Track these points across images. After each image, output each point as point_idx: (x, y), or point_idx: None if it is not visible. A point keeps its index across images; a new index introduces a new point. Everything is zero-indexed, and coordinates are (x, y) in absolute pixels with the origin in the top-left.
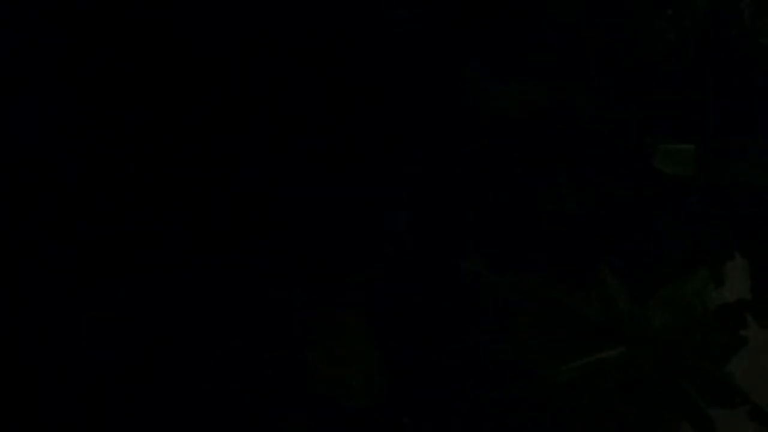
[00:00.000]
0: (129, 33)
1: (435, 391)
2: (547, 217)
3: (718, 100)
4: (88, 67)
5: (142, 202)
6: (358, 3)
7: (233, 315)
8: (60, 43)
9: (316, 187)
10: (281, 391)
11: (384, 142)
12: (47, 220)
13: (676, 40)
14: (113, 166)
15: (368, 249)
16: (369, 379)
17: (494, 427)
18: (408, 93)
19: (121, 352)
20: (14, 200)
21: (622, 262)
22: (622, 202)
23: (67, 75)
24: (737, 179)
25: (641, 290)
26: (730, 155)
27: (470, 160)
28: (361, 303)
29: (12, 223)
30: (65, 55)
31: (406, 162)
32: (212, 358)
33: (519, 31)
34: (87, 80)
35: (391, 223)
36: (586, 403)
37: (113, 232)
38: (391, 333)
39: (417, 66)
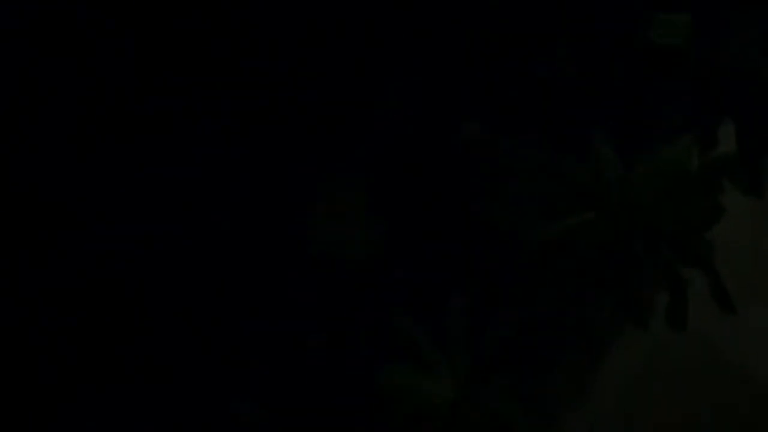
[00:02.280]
0: None
1: (430, 251)
2: (545, 83)
3: None
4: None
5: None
6: None
7: (236, 179)
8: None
9: (319, 51)
10: (281, 252)
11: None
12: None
13: None
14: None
15: (367, 112)
16: (367, 237)
17: (484, 283)
18: None
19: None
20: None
21: (615, 131)
22: (618, 72)
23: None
24: (731, 56)
25: (632, 159)
26: (726, 31)
27: (471, 26)
28: (360, 164)
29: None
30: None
31: (407, 27)
32: (215, 220)
33: None
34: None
35: (391, 87)
36: (567, 265)
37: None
38: (389, 195)
39: None
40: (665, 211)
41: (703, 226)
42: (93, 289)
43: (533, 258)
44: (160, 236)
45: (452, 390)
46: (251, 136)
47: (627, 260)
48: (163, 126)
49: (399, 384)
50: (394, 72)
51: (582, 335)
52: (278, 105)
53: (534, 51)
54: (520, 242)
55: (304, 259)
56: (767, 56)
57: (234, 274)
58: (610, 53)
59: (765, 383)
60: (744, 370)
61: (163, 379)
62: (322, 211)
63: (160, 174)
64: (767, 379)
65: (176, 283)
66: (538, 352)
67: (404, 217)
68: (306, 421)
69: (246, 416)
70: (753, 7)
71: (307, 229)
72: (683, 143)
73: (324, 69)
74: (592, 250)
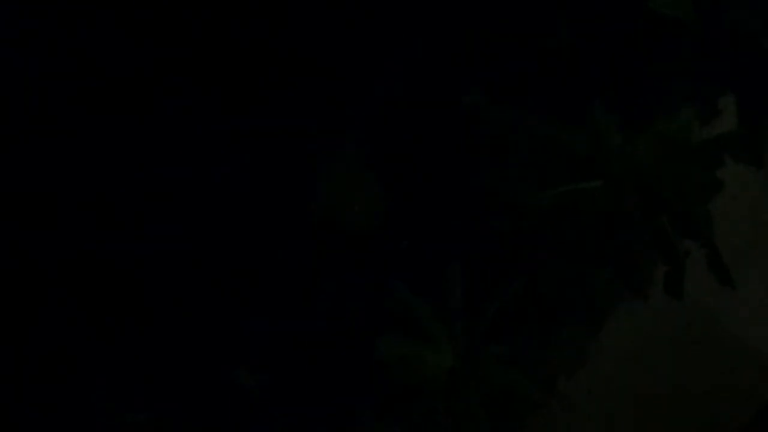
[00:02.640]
0: None
1: (431, 221)
2: (548, 54)
3: None
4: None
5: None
6: None
7: (241, 149)
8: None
9: (326, 15)
10: (284, 221)
11: None
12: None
13: None
14: None
15: (369, 83)
16: (370, 205)
17: (483, 253)
18: None
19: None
20: None
21: (616, 102)
22: (620, 43)
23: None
24: (734, 26)
25: (633, 129)
26: (727, 2)
27: None
28: (361, 135)
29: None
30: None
31: None
32: (221, 188)
33: None
34: None
35: (394, 57)
36: (567, 234)
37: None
38: (390, 165)
39: None
40: (665, 181)
41: (702, 198)
42: (99, 255)
43: (533, 227)
44: (167, 201)
45: (451, 359)
46: (255, 107)
47: (626, 230)
48: (170, 91)
49: (399, 354)
50: (396, 42)
51: (581, 304)
52: (282, 76)
53: (536, 22)
54: (521, 211)
55: (307, 228)
56: None
57: (237, 243)
58: (612, 24)
59: (760, 351)
60: (740, 339)
61: (166, 346)
62: (325, 180)
63: (169, 140)
64: (763, 347)
65: (180, 252)
66: (537, 321)
67: (405, 186)
68: (306, 390)
69: (246, 383)
70: None
71: (310, 198)
72: (684, 115)
73: (328, 38)
74: (592, 219)
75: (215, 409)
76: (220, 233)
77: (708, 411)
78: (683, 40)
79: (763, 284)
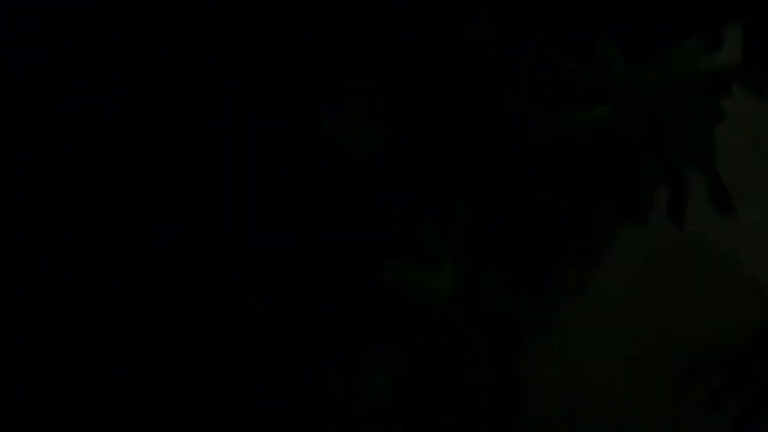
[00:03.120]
0: None
1: (433, 150)
2: None
3: None
4: None
5: None
6: None
7: (248, 82)
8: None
9: None
10: (289, 147)
11: None
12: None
13: None
14: None
15: (372, 12)
16: (371, 133)
17: (487, 179)
18: None
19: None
20: None
21: (621, 33)
22: None
23: None
24: None
25: (638, 60)
26: None
27: None
28: (365, 64)
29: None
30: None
31: None
32: (229, 117)
33: None
34: None
35: None
36: (570, 161)
37: None
38: (394, 94)
39: None
40: (669, 110)
41: (705, 127)
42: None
43: (537, 154)
44: (176, 132)
45: (453, 283)
46: (262, 39)
47: (630, 158)
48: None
49: (402, 278)
50: None
51: (583, 230)
52: (287, 8)
53: None
54: (525, 136)
55: (313, 154)
56: None
57: (245, 169)
58: None
59: (757, 279)
60: (737, 266)
61: (176, 273)
62: (329, 108)
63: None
64: (759, 275)
65: (189, 178)
66: (538, 246)
67: (408, 116)
68: (312, 314)
69: (254, 308)
70: None
71: (315, 124)
72: (689, 45)
73: None
74: (595, 148)
75: (222, 332)
76: (226, 157)
77: (706, 336)
78: None
79: (761, 213)
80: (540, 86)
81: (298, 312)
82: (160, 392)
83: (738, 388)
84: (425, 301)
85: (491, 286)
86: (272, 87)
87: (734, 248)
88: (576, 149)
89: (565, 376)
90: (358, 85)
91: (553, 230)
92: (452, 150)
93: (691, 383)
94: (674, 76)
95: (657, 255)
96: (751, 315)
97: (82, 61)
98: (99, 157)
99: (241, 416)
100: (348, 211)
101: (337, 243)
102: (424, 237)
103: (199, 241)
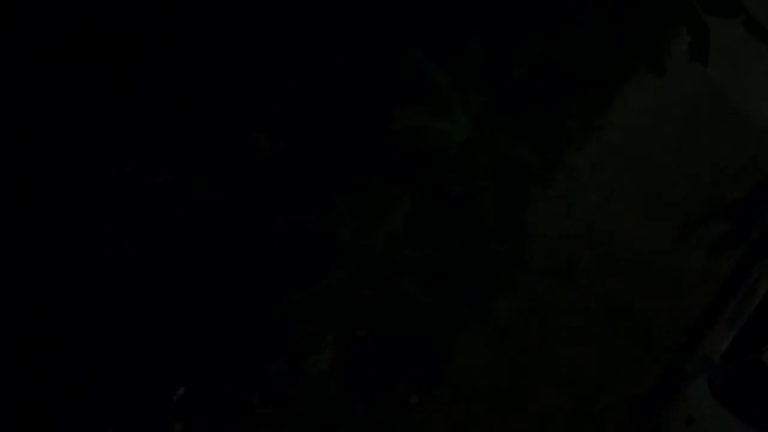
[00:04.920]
0: None
1: None
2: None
3: None
4: None
5: None
6: None
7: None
8: None
9: None
10: None
11: None
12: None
13: None
14: None
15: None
16: None
17: (501, 24)
18: None
19: None
20: None
21: None
22: None
23: None
24: None
25: None
26: None
27: None
28: None
29: None
30: None
31: None
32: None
33: None
34: None
35: None
36: (586, 4)
37: None
38: None
39: None
40: None
41: None
42: None
43: None
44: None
45: (466, 129)
46: None
47: (648, 2)
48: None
49: (415, 124)
50: None
51: (595, 76)
52: None
53: None
54: None
55: None
56: None
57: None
58: None
59: (764, 127)
60: (746, 113)
61: (188, 112)
62: None
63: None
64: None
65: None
66: (551, 92)
67: None
68: (325, 156)
69: (266, 148)
70: None
71: None
72: None
73: None
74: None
75: (235, 172)
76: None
77: (710, 182)
78: None
79: None
80: None
81: (312, 154)
82: (181, 224)
83: (741, 234)
84: (438, 148)
85: (501, 133)
86: None
87: (744, 94)
88: None
89: (570, 220)
90: None
91: (565, 75)
92: None
93: (694, 230)
94: None
95: (665, 103)
96: (753, 158)
97: None
98: None
99: (258, 255)
100: (362, 54)
101: (350, 89)
102: (439, 83)
103: (219, 85)
